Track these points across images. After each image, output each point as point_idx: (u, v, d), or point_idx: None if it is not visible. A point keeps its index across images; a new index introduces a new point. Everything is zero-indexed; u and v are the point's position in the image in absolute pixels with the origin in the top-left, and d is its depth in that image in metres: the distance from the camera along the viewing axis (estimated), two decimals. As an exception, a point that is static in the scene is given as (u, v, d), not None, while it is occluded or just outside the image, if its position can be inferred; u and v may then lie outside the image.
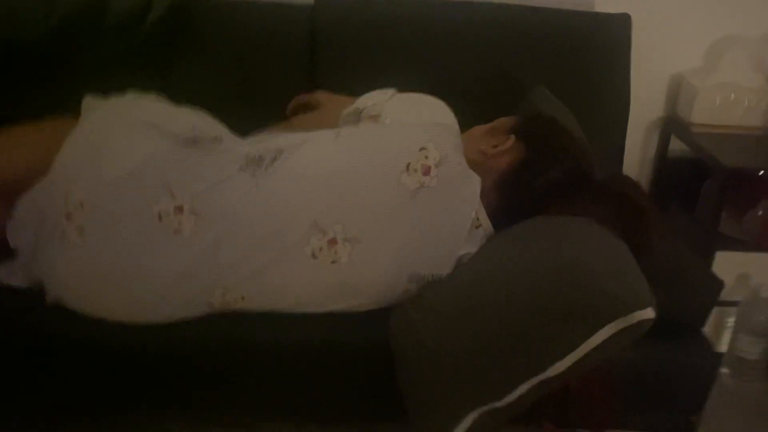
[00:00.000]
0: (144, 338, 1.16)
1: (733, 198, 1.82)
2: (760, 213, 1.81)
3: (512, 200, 1.24)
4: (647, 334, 1.05)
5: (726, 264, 1.83)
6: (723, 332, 1.91)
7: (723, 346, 1.91)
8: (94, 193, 1.09)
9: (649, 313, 0.98)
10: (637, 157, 2.05)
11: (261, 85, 1.61)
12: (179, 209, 1.10)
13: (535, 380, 1.03)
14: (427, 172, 1.16)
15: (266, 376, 1.24)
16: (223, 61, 1.62)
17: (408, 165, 1.15)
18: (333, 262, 1.15)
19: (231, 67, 1.62)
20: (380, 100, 1.26)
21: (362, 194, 1.15)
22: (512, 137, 1.26)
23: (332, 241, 1.14)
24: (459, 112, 1.33)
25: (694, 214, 1.90)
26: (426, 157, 1.16)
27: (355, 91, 1.40)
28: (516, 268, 1.11)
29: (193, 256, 1.11)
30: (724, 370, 1.92)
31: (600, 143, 1.76)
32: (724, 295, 1.88)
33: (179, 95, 1.36)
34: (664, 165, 2.01)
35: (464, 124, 1.33)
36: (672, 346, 1.25)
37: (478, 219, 1.22)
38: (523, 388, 1.04)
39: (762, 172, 1.77)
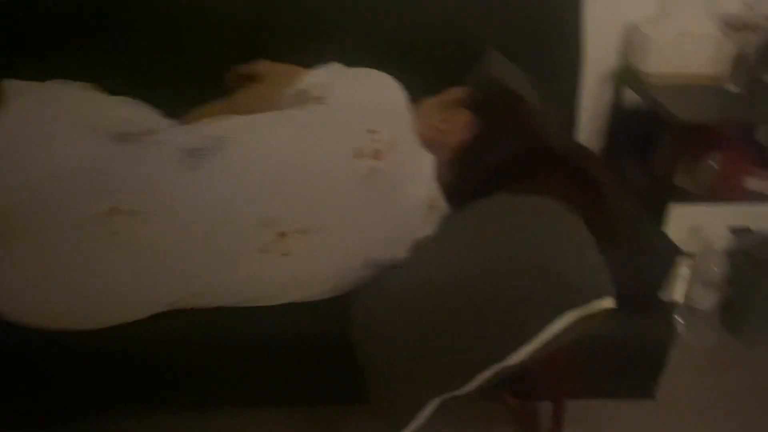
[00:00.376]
0: (89, 342, 1.10)
1: (687, 150, 1.81)
2: (713, 165, 1.81)
3: (467, 178, 1.20)
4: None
5: (680, 216, 1.84)
6: (676, 284, 1.93)
7: (677, 297, 1.94)
8: (17, 198, 1.01)
9: (607, 303, 0.96)
10: (591, 109, 2.02)
11: (199, 57, 1.51)
12: (114, 210, 1.02)
13: (494, 369, 1.01)
14: (377, 155, 1.10)
15: (225, 369, 1.20)
16: (156, 34, 1.51)
17: (357, 150, 1.10)
18: (284, 254, 1.09)
19: (166, 41, 1.51)
20: (324, 79, 1.18)
21: (311, 183, 1.09)
22: (465, 111, 1.21)
23: (282, 234, 1.08)
24: (409, 84, 1.27)
25: (648, 166, 1.89)
26: (376, 140, 1.10)
27: (301, 62, 1.32)
28: (472, 255, 1.08)
29: (135, 258, 1.04)
30: (678, 320, 1.95)
31: (553, 95, 1.73)
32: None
33: (109, 77, 1.26)
34: (618, 116, 1.98)
35: (416, 96, 1.27)
36: (631, 313, 1.24)
37: (433, 200, 1.18)
38: (482, 377, 1.02)
39: (715, 125, 1.76)
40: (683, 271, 1.90)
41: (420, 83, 1.27)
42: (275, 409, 1.43)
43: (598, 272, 1.00)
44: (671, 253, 1.25)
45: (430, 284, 1.09)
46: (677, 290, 1.93)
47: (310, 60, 1.32)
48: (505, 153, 1.19)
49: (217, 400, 1.26)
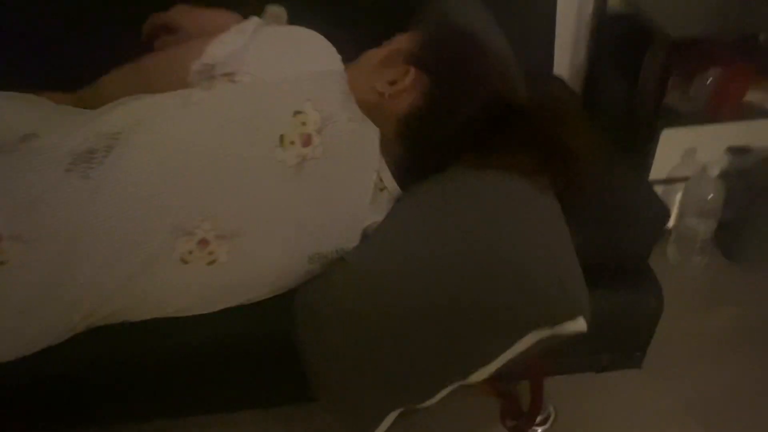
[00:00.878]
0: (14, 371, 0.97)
1: (679, 66, 1.61)
2: (709, 82, 1.61)
3: (418, 151, 1.02)
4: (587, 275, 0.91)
5: (672, 140, 1.67)
6: (670, 207, 1.79)
7: (670, 224, 1.81)
8: None
9: (579, 325, 0.81)
10: (570, 18, 1.79)
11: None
12: None
13: (456, 384, 0.89)
14: (307, 141, 0.92)
15: (171, 379, 1.09)
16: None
17: (282, 137, 0.91)
18: (210, 263, 0.94)
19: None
20: (236, 45, 0.97)
21: (228, 182, 0.92)
22: (411, 69, 1.01)
23: (203, 242, 0.92)
24: (346, 37, 1.06)
25: (636, 84, 1.69)
26: (303, 123, 0.92)
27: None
28: (428, 251, 0.92)
29: (32, 286, 0.89)
30: (670, 248, 1.82)
31: (528, 4, 1.53)
32: (671, 172, 1.75)
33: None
34: (602, 27, 1.76)
35: (355, 54, 1.07)
36: (617, 284, 1.11)
37: (381, 181, 1.01)
38: (444, 392, 0.90)
39: (711, 38, 1.55)
40: (676, 196, 1.76)
41: (361, 40, 1.07)
42: (244, 412, 1.33)
43: (572, 284, 0.85)
44: (659, 217, 1.09)
45: (380, 283, 0.94)
46: (672, 215, 1.79)
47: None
48: (462, 117, 1.01)
49: (167, 411, 1.15)
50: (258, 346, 1.06)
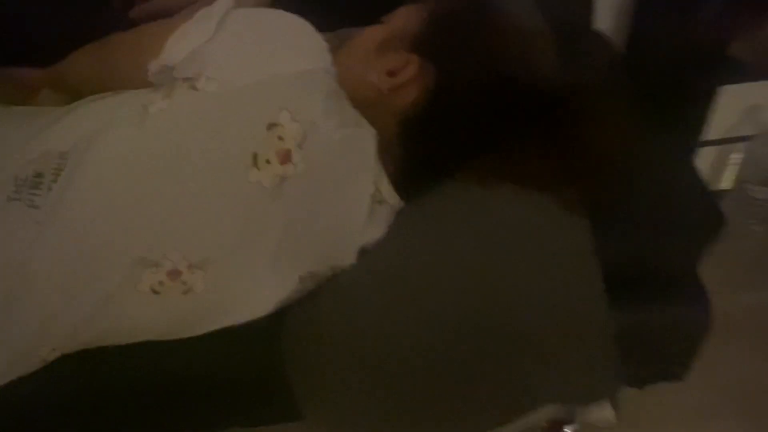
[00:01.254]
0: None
1: (742, 11, 1.38)
2: (780, 29, 1.38)
3: (423, 155, 0.87)
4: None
5: (733, 95, 1.46)
6: (726, 169, 1.59)
7: (726, 184, 1.62)
8: None
9: (605, 414, 0.68)
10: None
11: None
12: None
13: None
14: (286, 158, 0.78)
15: (153, 400, 1.00)
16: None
17: (255, 156, 0.77)
18: (185, 292, 0.83)
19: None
20: (199, 40, 0.80)
21: (196, 209, 0.79)
22: (414, 58, 0.85)
23: (174, 273, 0.81)
24: (334, 15, 0.90)
25: (692, 32, 1.46)
26: (280, 138, 0.78)
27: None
28: (435, 303, 0.80)
29: None
30: (726, 209, 1.63)
31: None
32: (730, 131, 1.54)
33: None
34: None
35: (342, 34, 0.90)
36: (661, 297, 0.96)
37: (379, 191, 0.87)
38: None
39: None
40: (734, 156, 1.56)
41: (353, 15, 0.90)
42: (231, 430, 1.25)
43: (601, 361, 0.70)
44: (713, 225, 0.93)
45: (376, 321, 0.82)
46: (728, 177, 1.60)
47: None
48: (474, 116, 0.85)
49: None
50: (246, 365, 0.95)
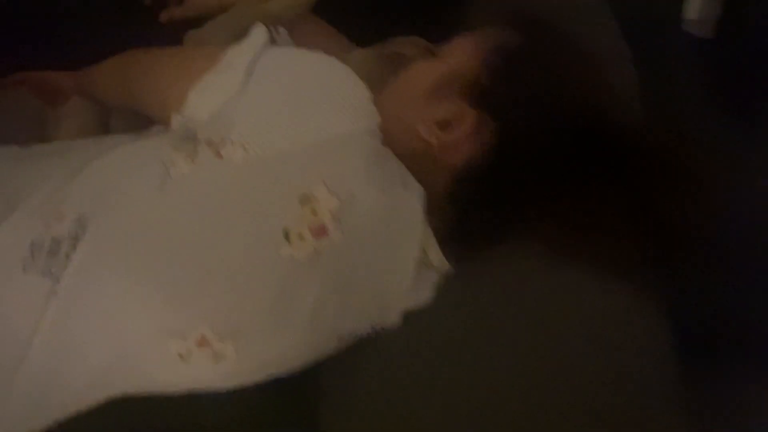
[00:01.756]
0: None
1: None
2: None
3: (477, 218, 0.77)
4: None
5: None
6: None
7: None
8: None
9: None
10: None
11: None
12: None
13: None
14: (321, 232, 0.70)
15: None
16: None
17: (286, 232, 0.69)
18: (216, 360, 0.77)
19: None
20: (224, 95, 0.71)
21: (223, 282, 0.72)
22: (471, 113, 0.74)
23: (202, 342, 0.75)
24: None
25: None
26: (314, 212, 0.69)
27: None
28: (486, 387, 0.72)
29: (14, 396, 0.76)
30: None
31: None
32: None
33: None
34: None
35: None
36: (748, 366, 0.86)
37: (426, 255, 0.78)
38: None
39: None
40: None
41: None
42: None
43: None
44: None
45: (421, 383, 0.76)
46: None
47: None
48: (541, 176, 0.75)
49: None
50: (277, 414, 0.91)
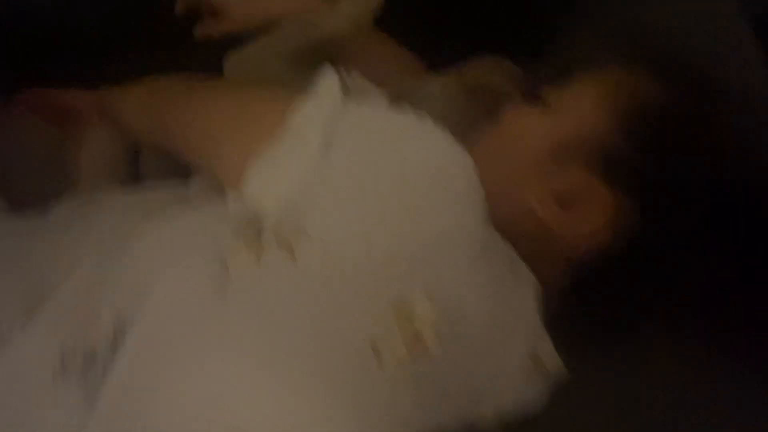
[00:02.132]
0: None
1: None
2: None
3: (603, 317, 0.63)
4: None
5: None
6: None
7: None
8: None
9: None
10: None
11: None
12: None
13: None
14: (415, 342, 0.56)
15: None
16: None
17: (375, 345, 0.55)
18: None
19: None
20: (293, 181, 0.55)
21: (295, 399, 0.58)
22: (600, 189, 0.59)
23: None
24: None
25: None
26: (409, 321, 0.55)
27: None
28: None
29: None
30: None
31: None
32: None
33: None
34: None
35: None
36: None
37: (538, 357, 0.64)
38: None
39: None
40: None
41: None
42: None
43: None
44: None
45: None
46: None
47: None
48: (687, 270, 0.60)
49: None
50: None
